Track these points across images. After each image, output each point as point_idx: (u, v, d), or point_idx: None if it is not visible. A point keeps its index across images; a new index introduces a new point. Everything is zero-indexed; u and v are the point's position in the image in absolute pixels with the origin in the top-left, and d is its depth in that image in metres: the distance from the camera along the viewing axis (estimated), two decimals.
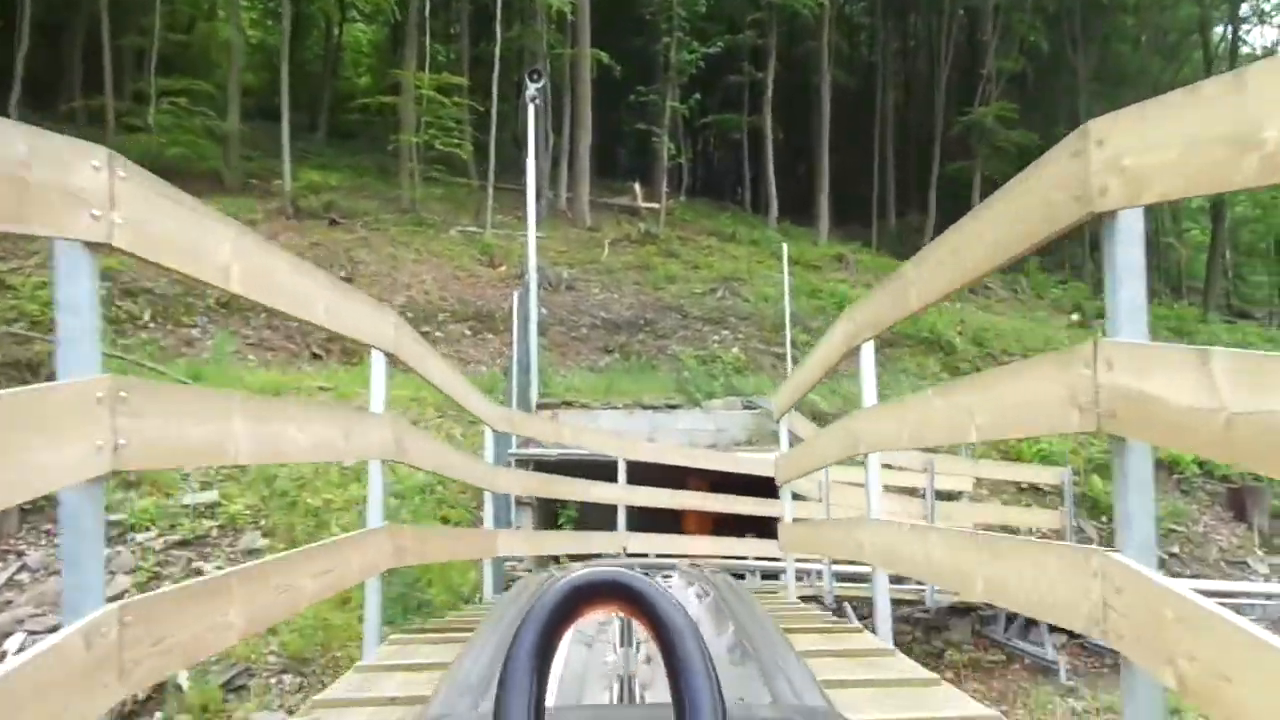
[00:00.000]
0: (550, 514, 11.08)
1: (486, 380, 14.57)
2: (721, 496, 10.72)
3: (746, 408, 14.39)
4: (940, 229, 3.69)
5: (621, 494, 9.46)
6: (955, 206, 33.25)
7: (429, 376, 4.89)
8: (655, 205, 25.97)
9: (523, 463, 11.41)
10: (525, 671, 0.66)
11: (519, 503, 10.22)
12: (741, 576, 9.47)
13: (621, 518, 9.57)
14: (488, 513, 7.17)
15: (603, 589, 0.70)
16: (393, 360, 4.07)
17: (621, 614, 0.78)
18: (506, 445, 10.62)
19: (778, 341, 19.63)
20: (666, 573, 5.96)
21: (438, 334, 18.18)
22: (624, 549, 9.49)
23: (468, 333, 18.53)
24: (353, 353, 16.87)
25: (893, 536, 4.09)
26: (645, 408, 14.00)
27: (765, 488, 12.78)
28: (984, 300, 26.14)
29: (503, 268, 20.78)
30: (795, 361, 15.69)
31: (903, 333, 21.45)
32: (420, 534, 4.97)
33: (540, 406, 13.58)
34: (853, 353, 4.41)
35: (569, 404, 13.80)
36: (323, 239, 20.94)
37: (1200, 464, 14.42)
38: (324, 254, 20.30)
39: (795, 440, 8.72)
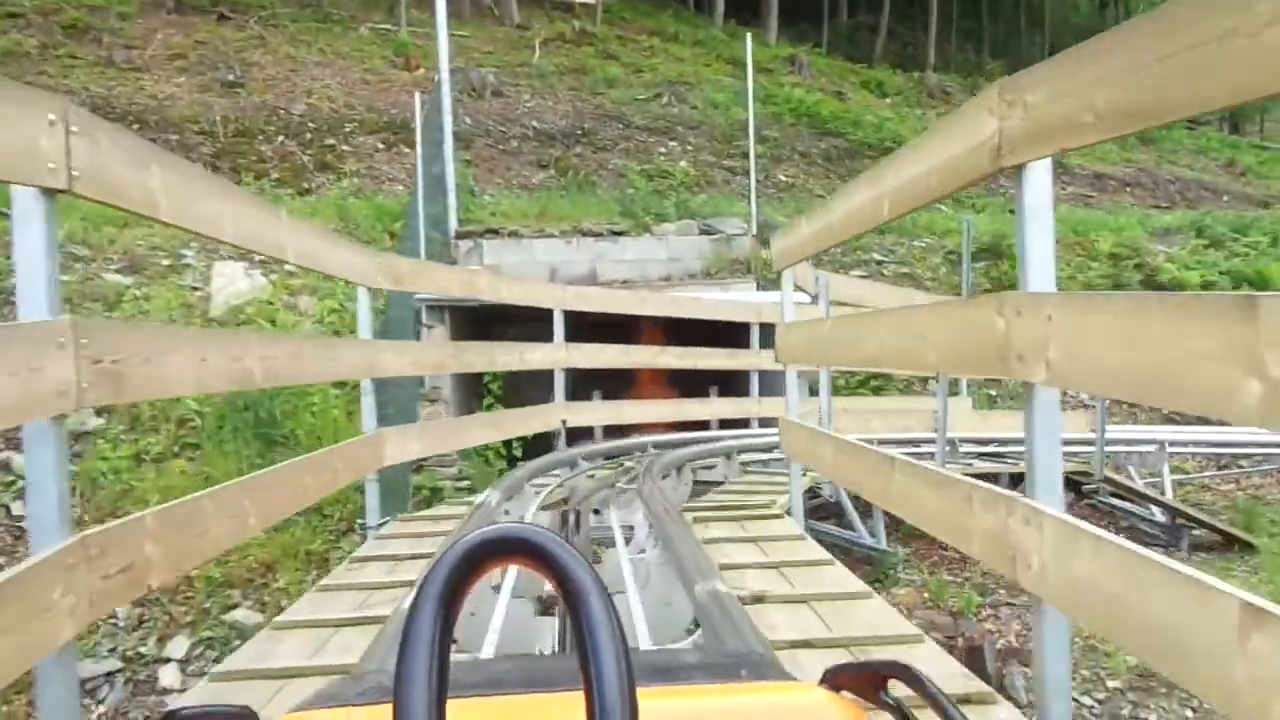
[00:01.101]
0: (475, 390, 8.84)
1: (399, 205, 12.00)
2: (682, 350, 8.53)
3: (704, 233, 12.07)
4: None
5: (558, 355, 7.22)
6: (909, 7, 30.14)
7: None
8: (591, 0, 22.59)
9: (436, 312, 9.04)
10: (427, 632, 0.63)
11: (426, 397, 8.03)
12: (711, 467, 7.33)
13: (559, 386, 7.37)
14: (367, 410, 4.91)
15: (506, 545, 0.67)
16: None
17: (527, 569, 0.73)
18: (406, 307, 8.25)
19: (730, 153, 17.14)
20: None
21: (345, 147, 15.34)
22: (563, 423, 7.33)
23: (380, 146, 15.65)
24: (258, 171, 14.15)
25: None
26: (586, 234, 11.60)
27: (731, 334, 10.68)
28: (945, 106, 23.62)
29: (420, 70, 17.64)
30: (752, 176, 13.28)
31: (865, 142, 19.10)
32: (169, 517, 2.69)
33: (460, 236, 11.11)
34: None
35: (495, 232, 11.34)
36: (209, 37, 17.61)
37: (1205, 287, 12.58)
38: (210, 54, 17.05)
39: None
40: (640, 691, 0.63)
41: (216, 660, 6.08)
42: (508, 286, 6.63)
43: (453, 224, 11.15)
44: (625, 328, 11.47)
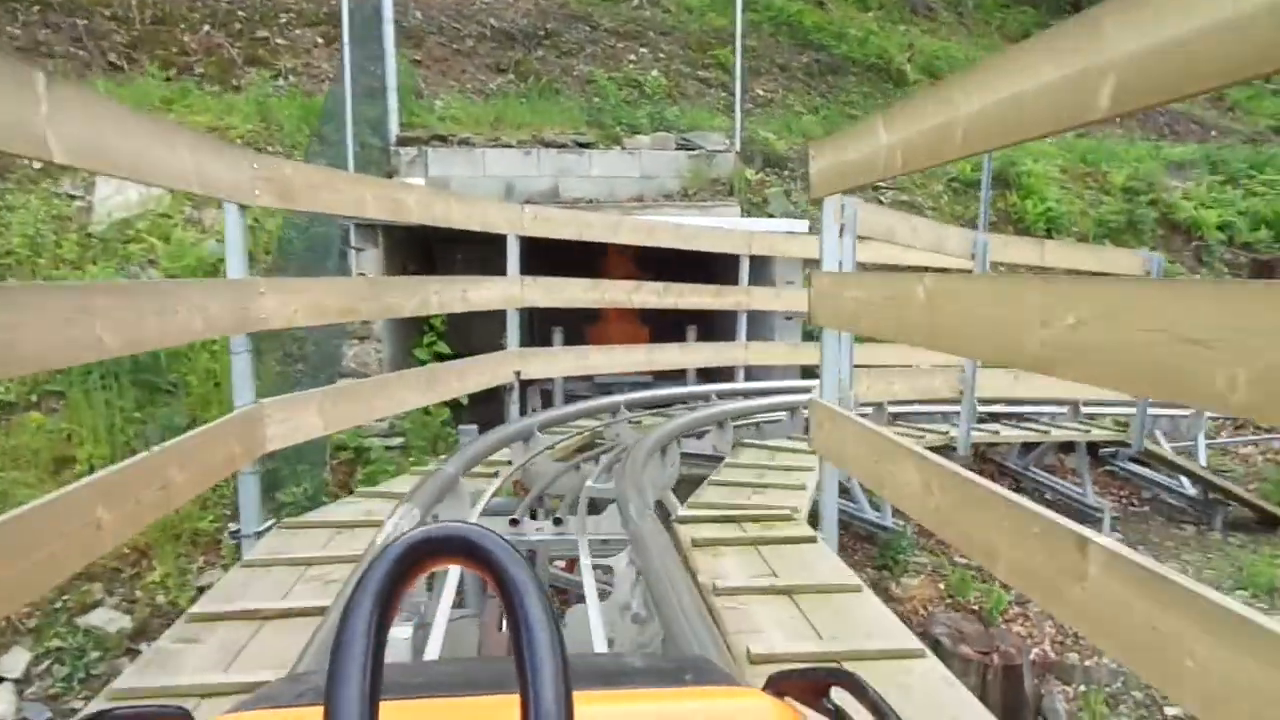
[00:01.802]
0: (415, 323, 7.32)
1: (335, 105, 10.27)
2: (662, 286, 7.09)
3: (682, 147, 10.50)
4: None
5: (512, 292, 5.75)
6: None
7: None
8: None
9: (367, 232, 7.47)
10: (361, 633, 0.60)
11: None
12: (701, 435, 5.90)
13: (513, 329, 5.91)
14: (239, 376, 3.45)
15: (444, 544, 0.65)
16: None
17: (465, 569, 0.72)
18: (331, 225, 6.71)
19: (705, 63, 15.44)
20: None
21: (279, 41, 13.39)
22: (516, 376, 5.89)
23: (319, 41, 13.73)
24: (180, 65, 12.28)
25: None
26: (548, 145, 9.99)
27: (715, 266, 9.18)
28: (929, 24, 22.03)
29: None
30: (738, 82, 11.66)
31: (849, 57, 17.46)
32: None
33: (402, 143, 9.46)
34: None
35: (443, 139, 9.69)
36: None
37: (1222, 228, 11.34)
38: None
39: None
40: (581, 695, 0.61)
41: (65, 680, 4.68)
42: (448, 206, 5.09)
43: (393, 128, 9.49)
44: (590, 257, 9.97)
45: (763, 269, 7.93)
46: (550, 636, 0.61)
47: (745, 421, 6.32)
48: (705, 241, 7.24)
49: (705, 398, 6.74)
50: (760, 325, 7.92)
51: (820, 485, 4.23)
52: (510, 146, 9.89)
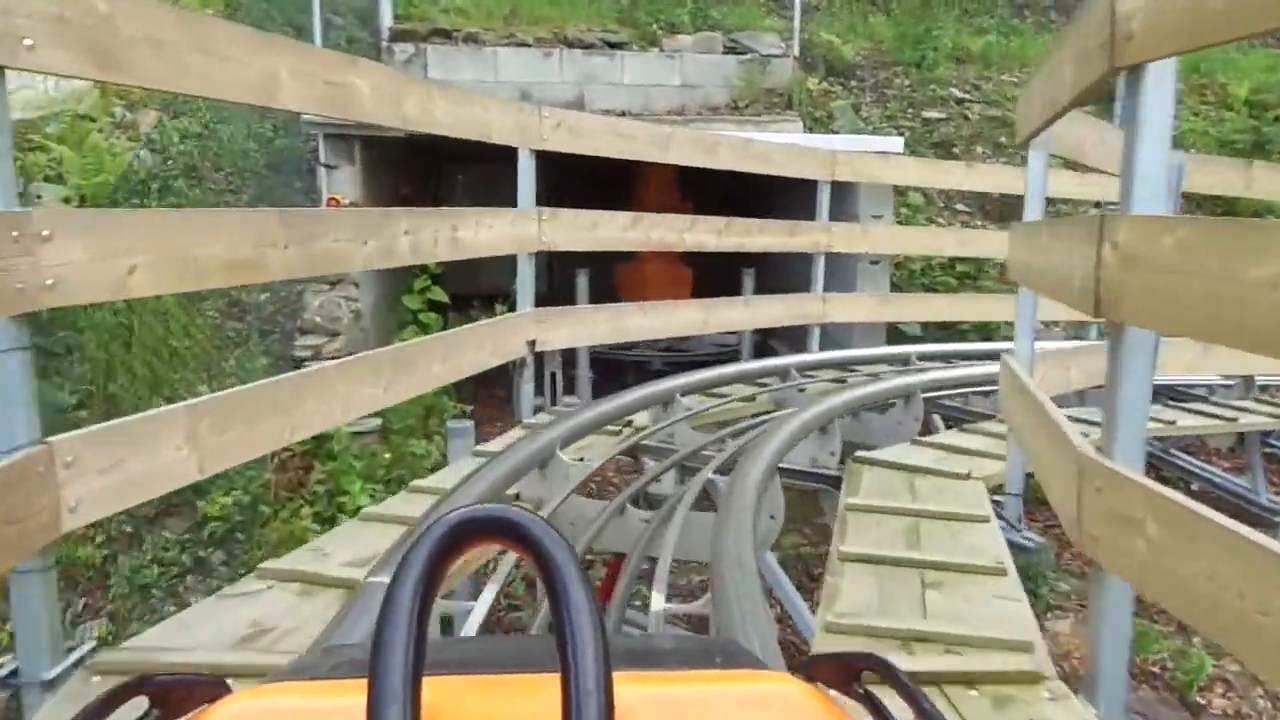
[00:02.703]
0: (397, 277, 5.60)
1: None
2: (723, 222, 5.33)
3: (730, 50, 8.61)
4: None
5: (525, 231, 4.02)
6: None
7: None
8: None
9: (340, 144, 5.69)
10: (405, 607, 0.60)
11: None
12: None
13: (526, 282, 4.17)
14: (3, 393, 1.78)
15: (487, 524, 0.65)
16: None
17: (506, 549, 0.73)
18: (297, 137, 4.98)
19: None
20: None
21: None
22: (531, 347, 4.18)
23: None
24: None
25: None
26: (572, 45, 8.12)
27: (782, 195, 7.32)
28: None
29: None
30: None
31: None
32: None
33: (396, 38, 7.60)
34: None
35: (446, 34, 7.83)
36: None
37: None
38: None
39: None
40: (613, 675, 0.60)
41: None
42: (426, 101, 3.25)
43: (385, 19, 7.63)
44: (619, 181, 8.16)
45: (841, 199, 6.12)
46: (591, 618, 0.59)
47: (942, 393, 5.05)
48: (780, 163, 5.44)
49: (901, 360, 5.72)
50: (838, 271, 6.15)
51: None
52: (527, 45, 8.03)
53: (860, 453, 3.66)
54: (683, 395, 4.43)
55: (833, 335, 6.26)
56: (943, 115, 8.68)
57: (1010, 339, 6.40)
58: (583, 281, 6.34)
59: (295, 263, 2.60)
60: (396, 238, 3.08)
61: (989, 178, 6.81)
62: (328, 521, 4.22)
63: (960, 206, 8.18)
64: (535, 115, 4.08)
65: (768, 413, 4.61)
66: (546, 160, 4.28)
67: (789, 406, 4.44)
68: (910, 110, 8.69)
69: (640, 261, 7.72)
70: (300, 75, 2.56)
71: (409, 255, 3.17)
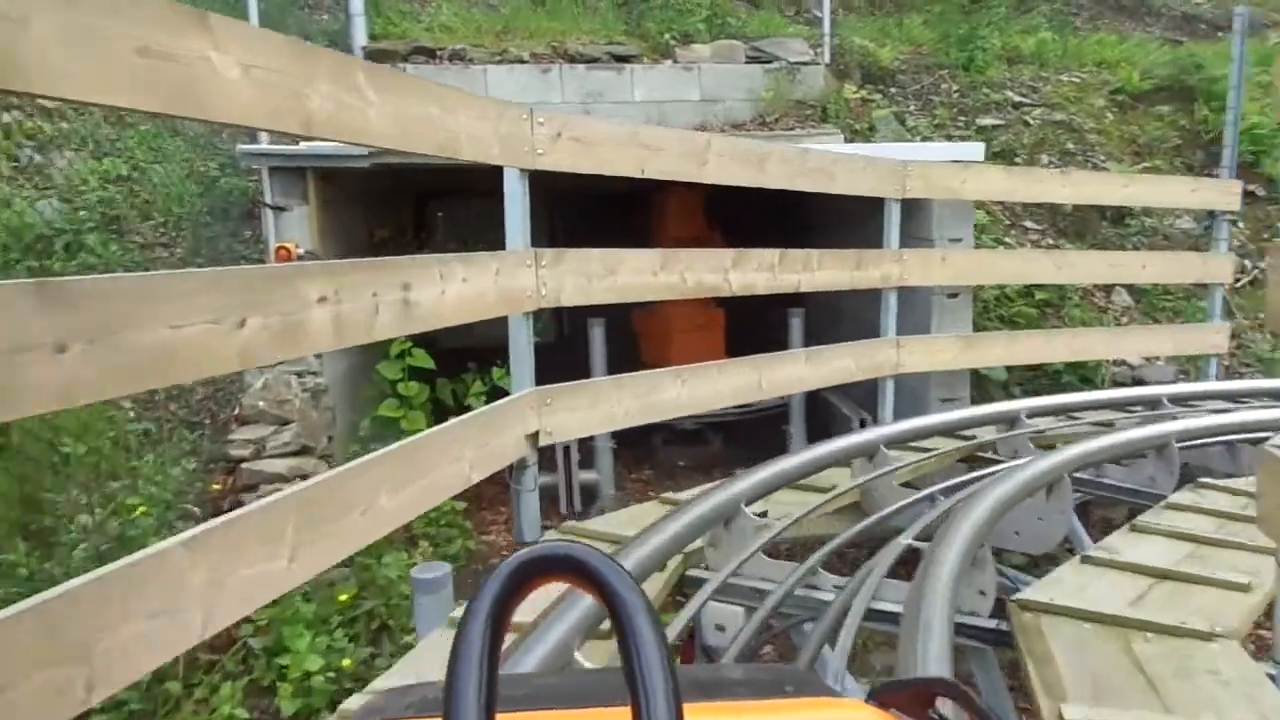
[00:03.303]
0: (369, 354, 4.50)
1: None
2: (777, 254, 4.18)
3: (753, 59, 7.50)
4: None
5: (518, 282, 2.87)
6: None
7: None
8: None
9: (291, 178, 4.58)
10: (476, 646, 0.60)
11: None
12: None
13: (523, 350, 3.02)
14: None
15: (555, 563, 0.65)
16: None
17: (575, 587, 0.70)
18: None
19: None
20: None
21: None
22: (531, 442, 3.01)
23: None
24: None
25: None
26: (574, 60, 7.03)
27: (836, 218, 6.04)
28: None
29: None
30: None
31: None
32: None
33: (371, 56, 6.52)
34: None
35: (429, 53, 6.74)
36: None
37: None
38: None
39: None
40: (683, 708, 0.61)
41: None
42: (355, 88, 2.18)
43: (358, 37, 6.57)
44: (627, 205, 7.03)
45: (910, 220, 4.94)
46: (660, 655, 0.60)
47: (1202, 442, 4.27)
48: (842, 178, 4.27)
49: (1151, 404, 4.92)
50: (909, 309, 4.96)
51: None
52: (523, 62, 6.94)
53: (1022, 595, 2.45)
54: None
55: (908, 387, 5.07)
56: (1000, 121, 7.52)
57: (1122, 381, 5.26)
58: (598, 333, 5.19)
59: (82, 378, 1.43)
60: (302, 310, 1.93)
61: (1090, 188, 5.64)
62: (265, 693, 3.03)
63: (1029, 224, 7.01)
64: (525, 121, 2.94)
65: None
66: (541, 183, 3.14)
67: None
68: (962, 118, 7.54)
69: (664, 303, 6.56)
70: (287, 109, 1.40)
71: (328, 336, 2.02)
